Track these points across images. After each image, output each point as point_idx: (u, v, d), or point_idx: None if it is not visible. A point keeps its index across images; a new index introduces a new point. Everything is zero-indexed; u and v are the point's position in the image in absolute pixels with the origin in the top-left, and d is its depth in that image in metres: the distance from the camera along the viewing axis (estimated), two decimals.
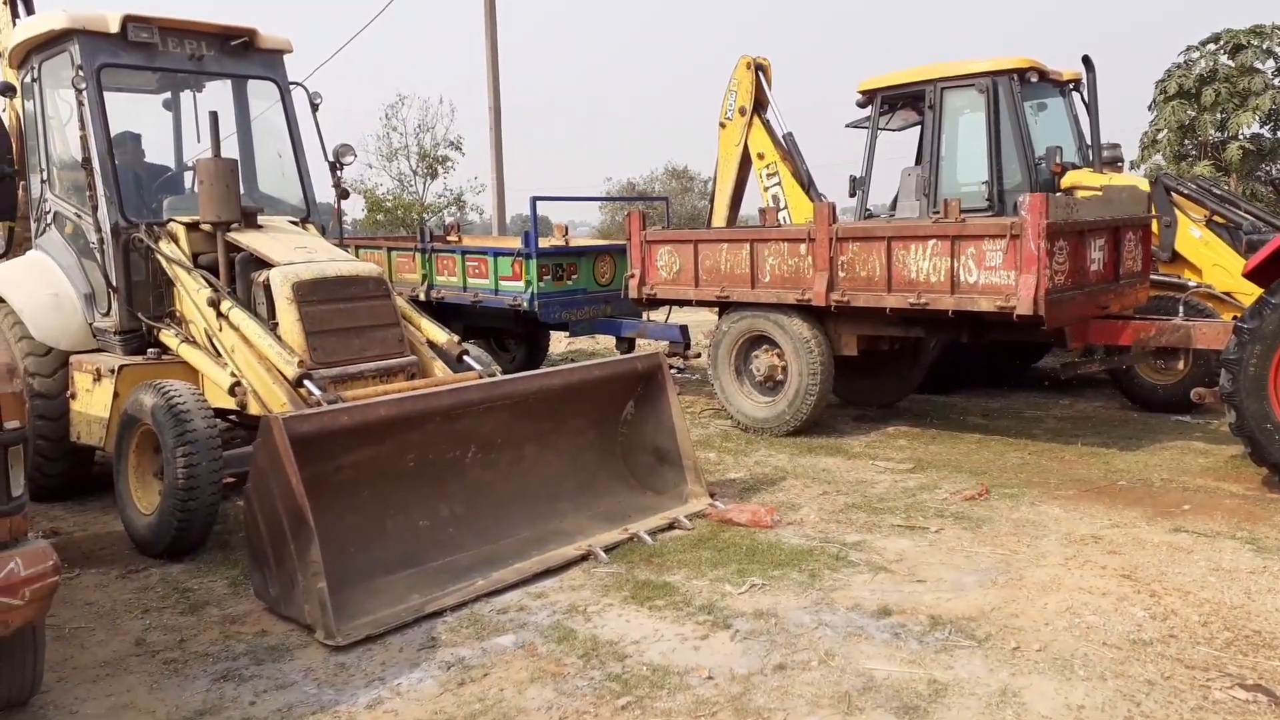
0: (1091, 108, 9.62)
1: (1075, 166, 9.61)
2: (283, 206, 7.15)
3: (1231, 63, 24.61)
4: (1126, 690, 3.64)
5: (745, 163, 12.00)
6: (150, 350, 6.25)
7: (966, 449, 7.54)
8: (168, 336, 6.22)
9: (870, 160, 10.39)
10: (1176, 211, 8.90)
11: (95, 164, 6.18)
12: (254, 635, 4.36)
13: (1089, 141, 9.77)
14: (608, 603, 4.59)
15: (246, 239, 6.15)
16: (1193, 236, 8.81)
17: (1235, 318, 7.18)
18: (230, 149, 6.83)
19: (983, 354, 9.53)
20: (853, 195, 10.65)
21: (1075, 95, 10.08)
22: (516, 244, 10.61)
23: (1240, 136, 24.58)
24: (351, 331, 5.75)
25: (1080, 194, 8.54)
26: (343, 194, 7.49)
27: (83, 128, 6.16)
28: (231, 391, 5.65)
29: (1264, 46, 24.44)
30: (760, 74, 11.72)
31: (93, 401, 6.17)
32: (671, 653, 4.05)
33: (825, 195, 10.99)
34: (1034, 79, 9.41)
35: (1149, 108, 26.49)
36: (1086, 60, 9.57)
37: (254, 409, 5.52)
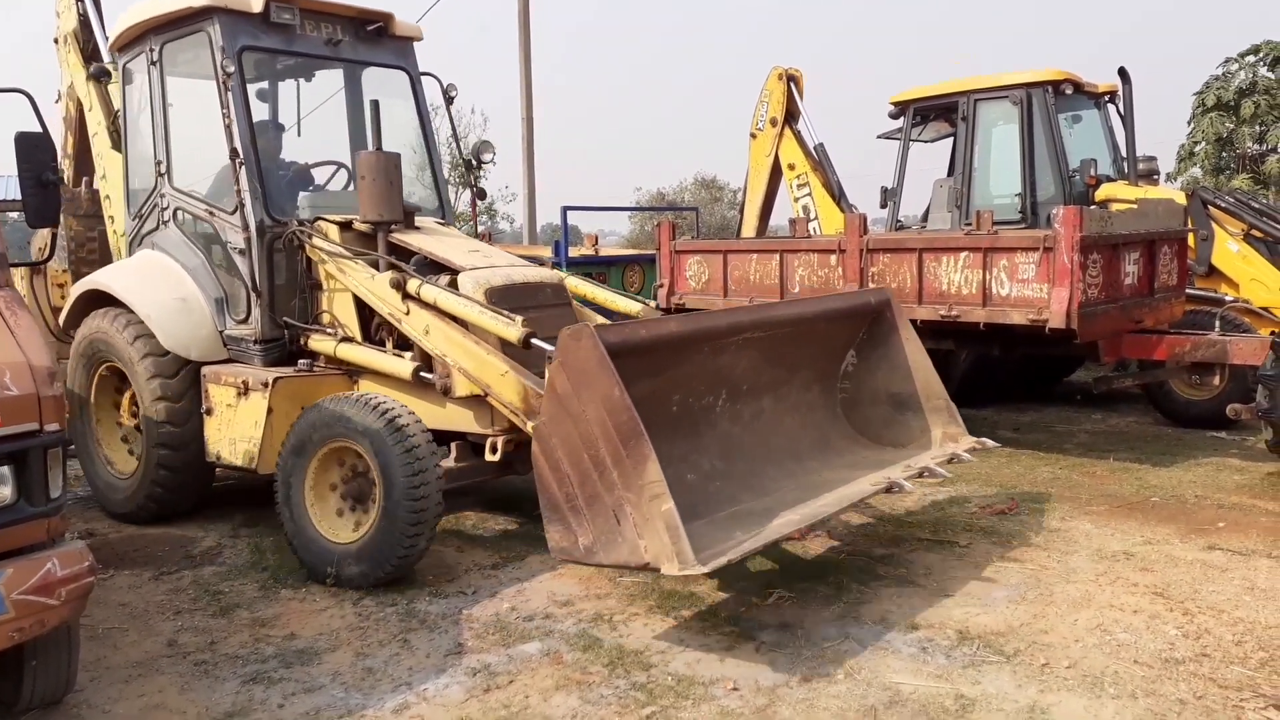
0: (1127, 120, 9.55)
1: (1110, 179, 9.53)
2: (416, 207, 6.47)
3: (1272, 75, 24.36)
4: (1158, 709, 3.59)
5: (776, 173, 12.02)
6: (301, 361, 5.77)
7: (996, 463, 7.48)
8: (320, 342, 5.73)
9: (902, 171, 10.39)
10: (1214, 225, 8.80)
11: (241, 156, 5.66)
12: (283, 638, 4.41)
13: (1124, 154, 9.69)
14: (633, 612, 4.60)
15: (415, 240, 5.69)
16: (1230, 250, 8.71)
17: (1273, 333, 7.07)
18: (340, 144, 6.35)
19: (1014, 367, 9.46)
20: (884, 206, 10.66)
21: (1111, 107, 10.02)
22: (547, 253, 10.69)
23: None
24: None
25: (1115, 207, 8.47)
26: (479, 194, 6.99)
27: (226, 117, 5.70)
28: (416, 377, 5.28)
29: None
30: (792, 84, 11.75)
31: (237, 418, 5.61)
32: (696, 663, 4.05)
33: (856, 206, 10.98)
34: (1069, 91, 9.35)
35: (1187, 121, 26.28)
36: (1122, 72, 9.51)
37: (460, 390, 5.18)
